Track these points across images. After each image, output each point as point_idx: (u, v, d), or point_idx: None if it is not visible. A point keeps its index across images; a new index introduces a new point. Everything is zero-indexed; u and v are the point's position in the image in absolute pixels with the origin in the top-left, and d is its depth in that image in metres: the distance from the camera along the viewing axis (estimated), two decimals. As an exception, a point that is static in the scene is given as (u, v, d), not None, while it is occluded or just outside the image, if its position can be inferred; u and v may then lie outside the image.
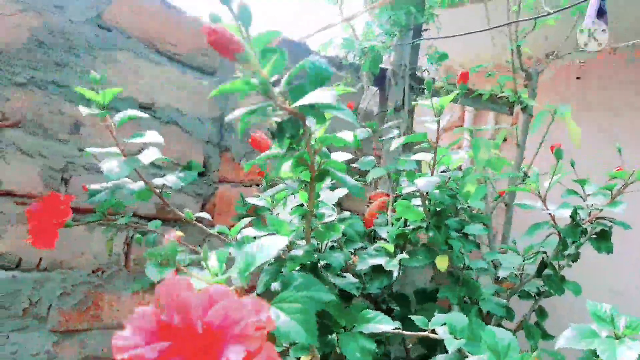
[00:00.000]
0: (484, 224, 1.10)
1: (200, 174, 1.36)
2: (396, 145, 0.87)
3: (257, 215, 1.18)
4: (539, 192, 0.93)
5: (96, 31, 1.17)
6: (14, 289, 1.08)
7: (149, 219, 1.25)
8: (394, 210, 1.22)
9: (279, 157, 0.59)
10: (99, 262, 1.20)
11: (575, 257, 0.99)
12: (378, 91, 1.58)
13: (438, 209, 0.92)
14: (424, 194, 0.91)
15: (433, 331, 0.80)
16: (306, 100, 0.50)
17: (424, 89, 1.54)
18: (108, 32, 1.19)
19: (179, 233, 1.12)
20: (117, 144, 0.88)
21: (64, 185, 1.15)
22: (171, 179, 0.85)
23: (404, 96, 1.50)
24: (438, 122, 0.82)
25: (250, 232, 0.99)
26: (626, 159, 1.03)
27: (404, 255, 0.96)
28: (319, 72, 0.54)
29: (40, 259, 1.12)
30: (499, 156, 1.38)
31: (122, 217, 1.08)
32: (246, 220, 0.96)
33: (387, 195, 1.39)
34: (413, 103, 0.86)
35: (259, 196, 1.06)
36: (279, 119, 0.54)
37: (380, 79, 1.57)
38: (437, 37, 1.40)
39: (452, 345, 0.70)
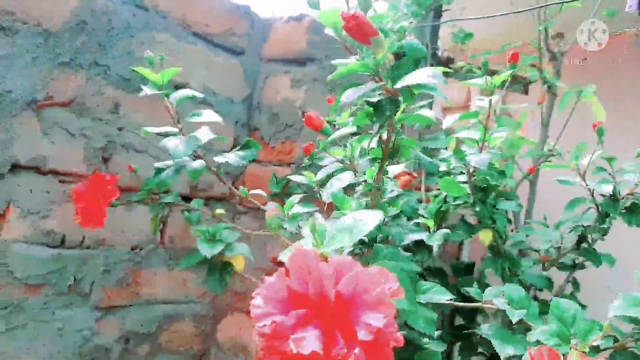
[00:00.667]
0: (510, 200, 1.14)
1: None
2: (450, 123, 0.91)
3: (290, 194, 1.20)
4: (578, 169, 0.97)
5: (134, 11, 1.17)
6: (59, 267, 1.09)
7: (183, 197, 1.27)
8: (427, 189, 1.25)
9: (371, 134, 0.61)
10: (138, 240, 1.23)
11: (606, 231, 1.04)
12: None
13: (483, 185, 0.96)
14: (470, 170, 0.95)
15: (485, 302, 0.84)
16: (410, 80, 0.53)
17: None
18: (145, 12, 1.19)
19: (220, 211, 1.15)
20: (175, 123, 0.90)
21: (104, 164, 1.16)
22: (232, 158, 0.87)
23: (425, 76, 1.53)
24: (490, 100, 0.85)
25: (297, 209, 1.03)
26: (632, 143, 1.05)
27: (446, 230, 1.00)
28: (416, 52, 0.57)
29: (84, 237, 1.13)
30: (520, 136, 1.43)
31: (168, 195, 1.11)
32: (297, 197, 0.99)
33: (409, 173, 1.42)
34: (464, 82, 0.89)
35: (303, 174, 1.08)
36: (375, 99, 0.57)
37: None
38: (460, 18, 1.43)
39: (514, 315, 0.74)
